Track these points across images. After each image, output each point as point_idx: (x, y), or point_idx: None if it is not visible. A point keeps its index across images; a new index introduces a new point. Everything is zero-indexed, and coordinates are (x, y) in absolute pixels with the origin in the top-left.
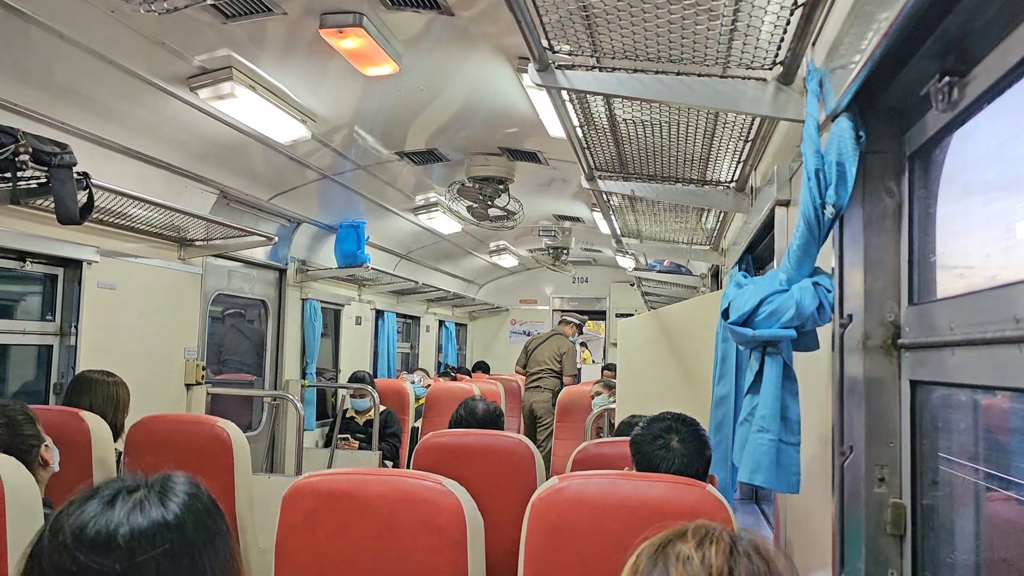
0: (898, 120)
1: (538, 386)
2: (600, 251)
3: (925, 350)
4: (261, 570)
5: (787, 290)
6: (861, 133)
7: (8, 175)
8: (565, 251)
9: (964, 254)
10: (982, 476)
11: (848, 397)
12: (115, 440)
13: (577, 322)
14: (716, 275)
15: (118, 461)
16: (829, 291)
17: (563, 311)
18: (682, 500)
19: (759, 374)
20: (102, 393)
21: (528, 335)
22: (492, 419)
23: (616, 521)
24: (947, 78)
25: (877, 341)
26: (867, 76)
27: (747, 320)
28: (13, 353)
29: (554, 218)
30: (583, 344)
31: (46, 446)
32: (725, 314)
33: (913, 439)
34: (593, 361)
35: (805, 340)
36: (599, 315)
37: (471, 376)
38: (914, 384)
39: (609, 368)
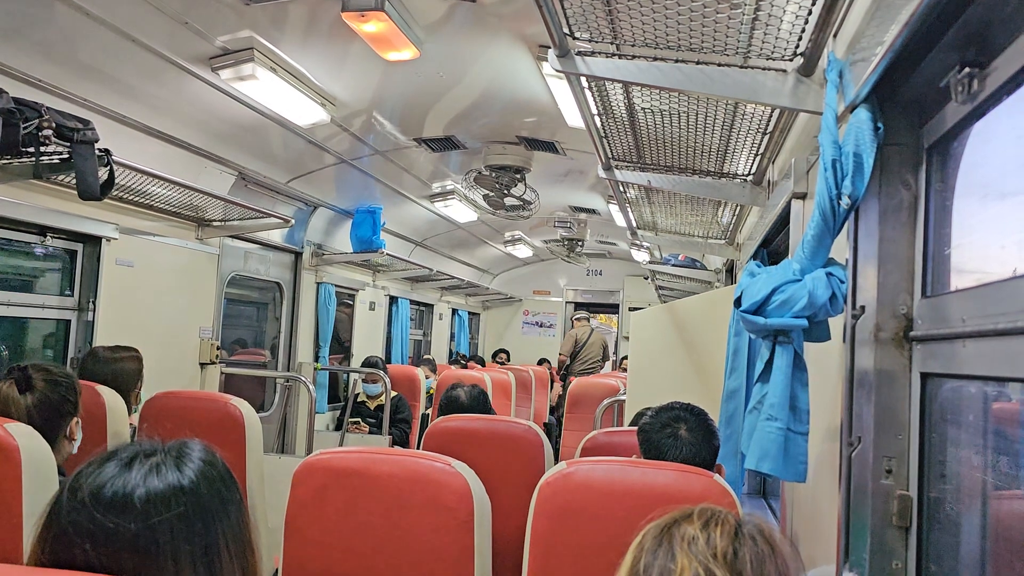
0: (917, 112)
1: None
2: (615, 244)
3: (937, 342)
4: (269, 548)
5: (800, 280)
6: (879, 125)
7: (31, 150)
8: (580, 243)
9: (981, 247)
10: (990, 469)
11: (858, 388)
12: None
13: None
14: (731, 270)
15: (132, 436)
16: (842, 282)
17: (576, 303)
18: (689, 488)
19: (770, 363)
20: (106, 370)
21: (540, 326)
22: (476, 404)
23: (622, 507)
24: (967, 70)
25: (889, 333)
26: (887, 67)
27: (759, 308)
28: (31, 326)
29: (570, 209)
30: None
31: (77, 421)
32: (738, 302)
33: (922, 431)
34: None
35: (817, 330)
36: (612, 308)
37: (483, 365)
38: (924, 376)
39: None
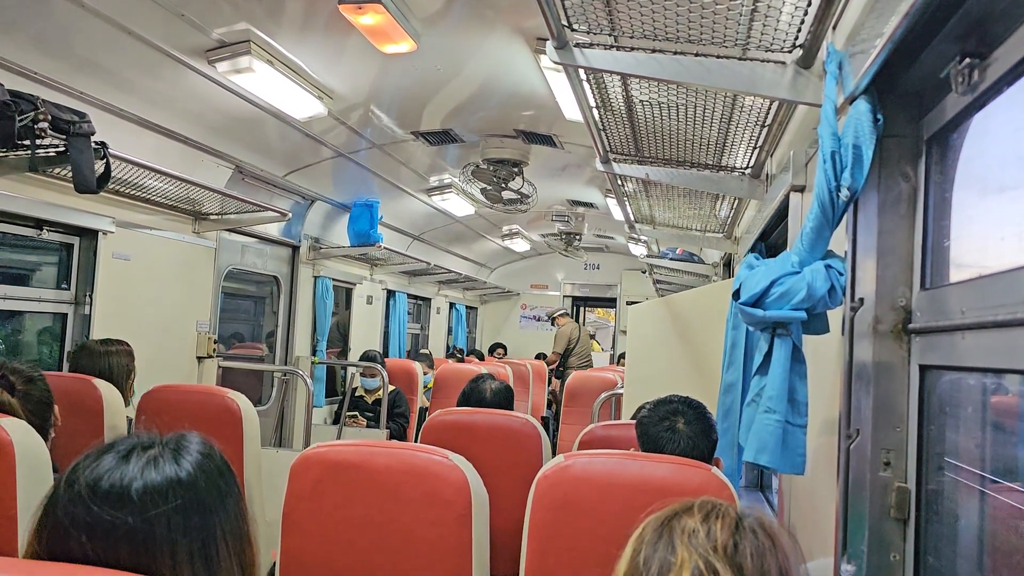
0: (916, 104)
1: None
2: (612, 238)
3: (935, 334)
4: (267, 542)
5: (799, 272)
6: (879, 116)
7: (27, 142)
8: (577, 237)
9: (980, 239)
10: (988, 462)
11: (856, 381)
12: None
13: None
14: (728, 264)
15: (129, 429)
16: (841, 274)
17: (573, 298)
18: (687, 481)
19: (768, 355)
20: (98, 363)
21: (537, 319)
22: (500, 399)
23: (620, 500)
24: (967, 60)
25: (888, 326)
26: (886, 58)
27: (758, 301)
28: (27, 320)
29: (568, 203)
30: (591, 336)
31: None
32: (736, 294)
33: (920, 424)
34: (603, 349)
35: (815, 323)
36: (610, 302)
37: (481, 359)
38: (923, 369)
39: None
